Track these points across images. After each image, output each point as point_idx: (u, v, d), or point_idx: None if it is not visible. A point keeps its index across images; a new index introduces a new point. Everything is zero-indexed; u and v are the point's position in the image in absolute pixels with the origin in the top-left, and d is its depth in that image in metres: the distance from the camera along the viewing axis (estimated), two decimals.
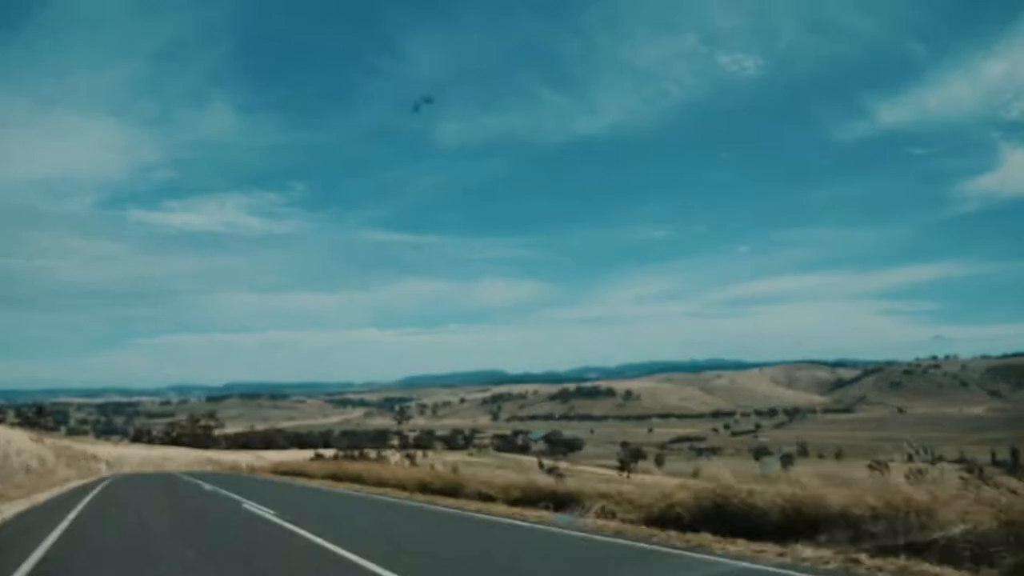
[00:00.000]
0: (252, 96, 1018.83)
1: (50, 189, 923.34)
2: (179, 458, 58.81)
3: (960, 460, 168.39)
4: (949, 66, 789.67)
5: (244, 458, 61.35)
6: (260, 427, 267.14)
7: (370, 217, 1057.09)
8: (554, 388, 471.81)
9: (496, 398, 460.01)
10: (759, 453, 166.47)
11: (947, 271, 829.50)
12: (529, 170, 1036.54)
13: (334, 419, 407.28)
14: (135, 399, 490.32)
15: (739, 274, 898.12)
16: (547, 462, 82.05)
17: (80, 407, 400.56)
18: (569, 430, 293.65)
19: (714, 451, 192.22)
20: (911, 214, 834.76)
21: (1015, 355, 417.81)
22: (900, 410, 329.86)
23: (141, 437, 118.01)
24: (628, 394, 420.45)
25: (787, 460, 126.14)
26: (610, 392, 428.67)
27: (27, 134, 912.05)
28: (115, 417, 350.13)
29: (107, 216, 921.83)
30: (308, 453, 79.57)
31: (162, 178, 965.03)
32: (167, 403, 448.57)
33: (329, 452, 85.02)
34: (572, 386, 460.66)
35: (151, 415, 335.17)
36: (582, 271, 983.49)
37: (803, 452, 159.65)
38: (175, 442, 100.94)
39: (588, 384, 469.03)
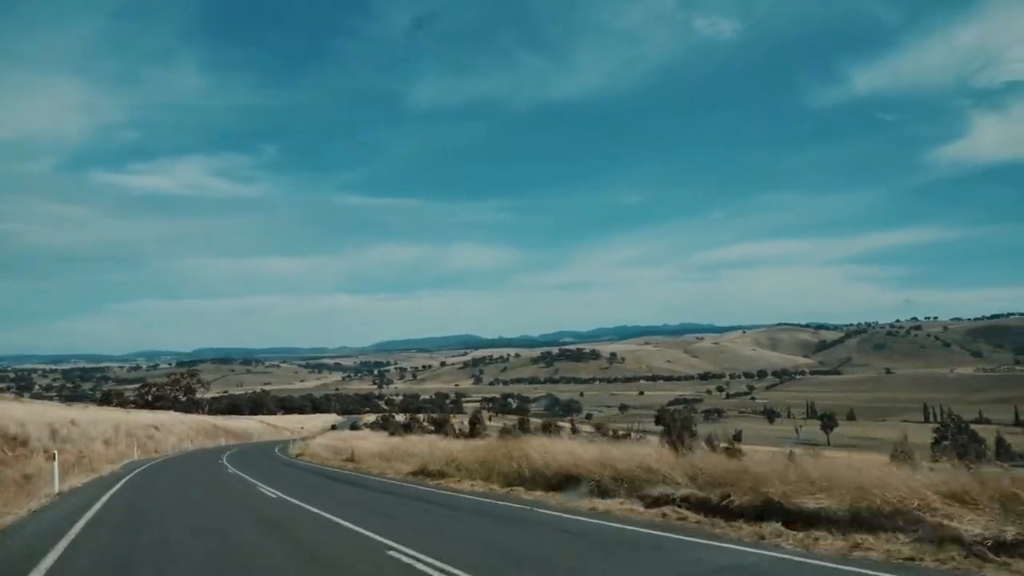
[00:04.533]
0: (221, 55, 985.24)
1: (9, 150, 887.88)
2: (174, 426, 45.97)
3: (980, 420, 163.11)
4: (922, 32, 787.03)
5: (253, 425, 50.20)
6: (237, 392, 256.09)
7: (342, 181, 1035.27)
8: (534, 352, 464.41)
9: (477, 362, 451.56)
10: (770, 415, 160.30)
11: (916, 237, 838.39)
12: (505, 134, 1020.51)
13: (311, 383, 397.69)
14: (103, 364, 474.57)
15: (714, 239, 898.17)
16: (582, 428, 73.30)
17: (45, 373, 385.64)
18: (557, 392, 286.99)
19: (718, 413, 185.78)
20: (883, 180, 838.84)
21: (993, 317, 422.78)
22: (888, 371, 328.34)
23: (111, 400, 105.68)
24: (613, 357, 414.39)
25: (829, 424, 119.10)
26: (594, 355, 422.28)
27: None
28: (82, 383, 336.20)
29: (69, 179, 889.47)
30: (325, 418, 68.63)
31: (126, 139, 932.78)
32: (136, 368, 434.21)
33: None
34: (555, 349, 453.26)
35: (120, 380, 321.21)
36: (557, 236, 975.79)
37: (813, 414, 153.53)
38: (151, 406, 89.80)
39: (571, 347, 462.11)
